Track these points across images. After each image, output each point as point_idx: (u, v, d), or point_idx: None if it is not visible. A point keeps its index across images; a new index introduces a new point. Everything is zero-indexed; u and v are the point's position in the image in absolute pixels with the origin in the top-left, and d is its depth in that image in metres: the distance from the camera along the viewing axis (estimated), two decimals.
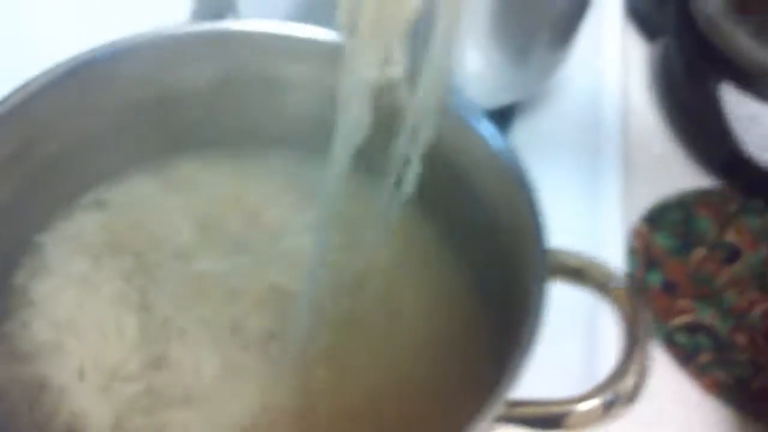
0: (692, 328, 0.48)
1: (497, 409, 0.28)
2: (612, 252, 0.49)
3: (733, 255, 0.51)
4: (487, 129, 0.36)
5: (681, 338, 0.47)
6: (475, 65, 0.48)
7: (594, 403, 0.30)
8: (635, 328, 0.30)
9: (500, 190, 0.35)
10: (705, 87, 0.54)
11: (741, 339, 0.48)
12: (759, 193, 0.54)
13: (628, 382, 0.30)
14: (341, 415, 0.37)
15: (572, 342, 0.44)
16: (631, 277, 0.49)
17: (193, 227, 0.39)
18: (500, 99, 0.51)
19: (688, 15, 0.56)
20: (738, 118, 0.53)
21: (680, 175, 0.55)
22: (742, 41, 0.53)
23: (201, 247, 0.39)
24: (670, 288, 0.49)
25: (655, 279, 0.49)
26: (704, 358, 0.47)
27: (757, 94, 0.53)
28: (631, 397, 0.30)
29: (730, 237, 0.52)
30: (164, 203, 0.40)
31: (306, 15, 0.45)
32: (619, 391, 0.30)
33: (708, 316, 0.48)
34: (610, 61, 0.58)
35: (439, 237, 0.40)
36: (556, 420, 0.30)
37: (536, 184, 0.51)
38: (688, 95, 0.56)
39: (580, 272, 0.32)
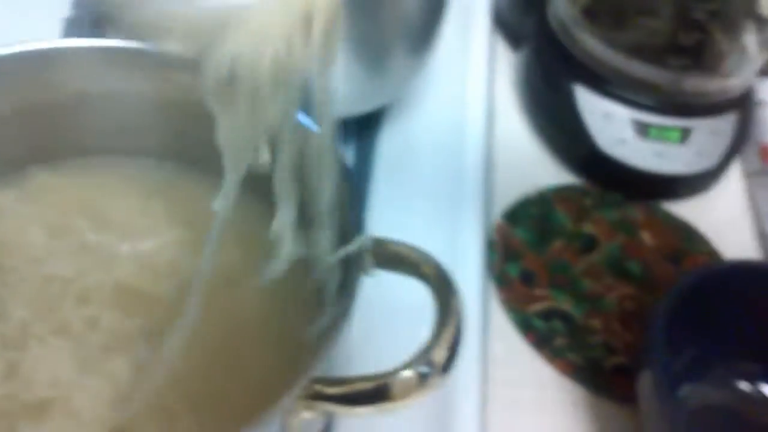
0: (548, 314, 0.50)
1: (301, 387, 0.29)
2: (471, 246, 0.51)
3: (589, 245, 0.54)
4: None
5: (537, 324, 0.50)
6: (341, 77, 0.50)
7: (409, 374, 0.31)
8: (445, 305, 0.32)
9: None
10: (561, 89, 0.57)
11: (595, 323, 0.50)
12: (616, 187, 0.57)
13: (440, 353, 0.32)
14: (202, 408, 0.38)
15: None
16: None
17: (45, 233, 0.40)
18: (362, 106, 0.53)
19: (545, 23, 0.59)
20: (593, 117, 0.56)
21: (543, 173, 0.58)
22: (593, 46, 0.56)
23: (53, 251, 0.40)
24: (527, 278, 0.51)
25: (514, 270, 0.52)
26: (559, 342, 0.49)
27: (608, 95, 0.56)
28: (445, 367, 0.32)
29: (587, 228, 0.55)
30: (19, 211, 0.41)
31: None
32: (432, 362, 0.32)
33: (564, 303, 0.51)
34: (475, 67, 0.61)
35: None
36: (376, 394, 0.32)
37: (402, 184, 0.53)
38: (547, 97, 0.59)
39: (397, 258, 0.34)
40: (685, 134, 0.55)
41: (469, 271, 0.50)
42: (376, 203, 0.52)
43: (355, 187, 0.35)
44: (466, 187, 0.54)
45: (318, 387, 0.30)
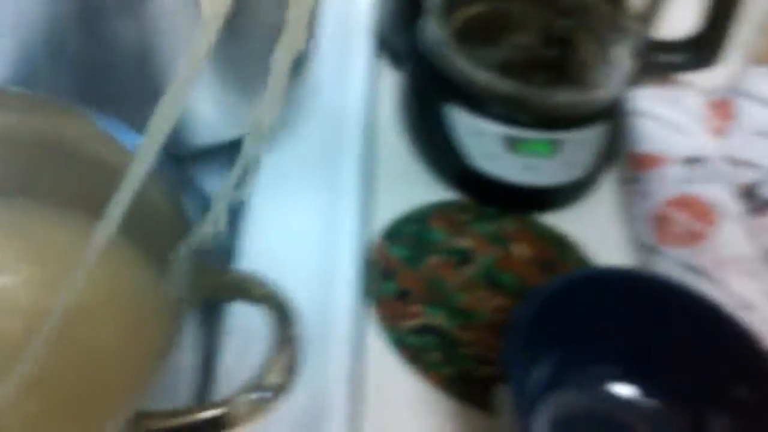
0: (421, 330, 0.51)
1: (123, 420, 0.30)
2: (347, 267, 0.52)
3: (464, 259, 0.55)
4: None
5: (411, 340, 0.51)
6: (202, 104, 0.51)
7: (246, 399, 0.32)
8: (283, 328, 0.33)
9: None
10: (435, 108, 0.59)
11: (468, 335, 0.52)
12: (491, 201, 0.59)
13: (275, 377, 0.32)
14: None
15: None
16: (371, 288, 0.52)
17: None
18: (234, 131, 0.53)
19: (417, 45, 0.60)
20: (465, 135, 0.58)
21: (424, 190, 0.59)
22: (463, 66, 0.58)
23: None
24: (403, 295, 0.53)
25: (390, 288, 0.53)
26: (432, 356, 0.50)
27: (478, 112, 0.58)
28: (281, 389, 0.33)
29: (463, 243, 0.56)
30: None
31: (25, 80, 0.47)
32: (269, 385, 0.32)
33: (437, 318, 0.52)
34: (355, 87, 0.62)
35: (138, 258, 0.42)
36: (216, 423, 0.32)
37: (278, 208, 0.54)
38: (422, 117, 0.61)
39: (234, 286, 0.35)
40: (554, 147, 0.57)
41: (342, 292, 0.51)
42: (252, 230, 0.53)
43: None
44: (342, 208, 0.55)
45: (147, 422, 0.31)
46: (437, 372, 0.49)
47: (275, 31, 0.52)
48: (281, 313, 0.34)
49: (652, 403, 0.48)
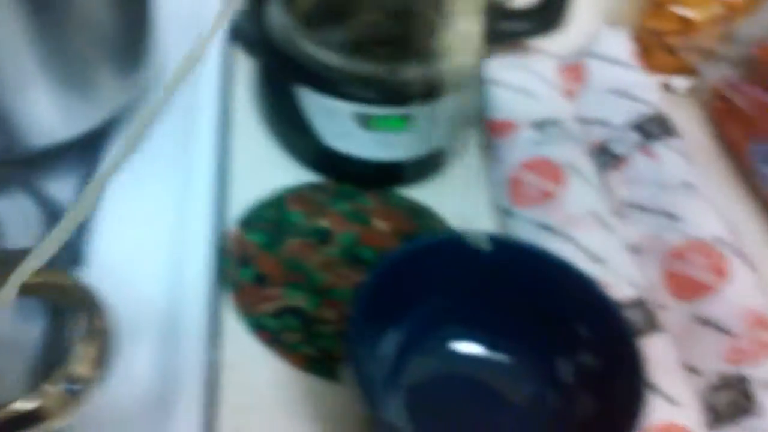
0: (280, 313, 0.51)
1: None
2: (200, 257, 0.52)
3: (324, 239, 0.55)
4: None
5: (269, 323, 0.50)
6: (37, 105, 0.50)
7: (54, 390, 0.31)
8: (90, 320, 0.33)
9: None
10: (287, 91, 0.59)
11: (329, 314, 0.52)
12: (349, 180, 0.59)
13: (84, 370, 0.32)
14: None
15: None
16: (227, 274, 0.52)
17: None
18: (74, 129, 0.52)
19: (265, 30, 0.60)
20: (317, 115, 0.58)
21: (282, 175, 0.59)
22: (310, 48, 0.58)
23: None
24: (261, 280, 0.52)
25: (248, 274, 0.52)
26: (291, 337, 0.50)
27: (328, 92, 0.58)
28: (90, 381, 0.32)
29: (322, 223, 0.56)
30: None
31: None
32: (77, 377, 0.32)
33: (297, 299, 0.52)
34: (208, 76, 0.62)
35: None
36: (28, 415, 0.31)
37: (130, 202, 0.53)
38: (276, 100, 0.60)
39: (41, 284, 0.34)
40: (406, 121, 0.58)
41: (196, 282, 0.50)
42: (102, 225, 0.52)
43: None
44: (195, 198, 0.54)
45: None
46: (298, 352, 0.49)
47: (101, 25, 0.52)
48: (89, 305, 0.33)
49: (503, 358, 0.49)
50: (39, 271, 0.35)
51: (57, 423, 0.32)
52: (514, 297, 0.47)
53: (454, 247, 0.47)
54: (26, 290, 0.34)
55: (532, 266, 0.47)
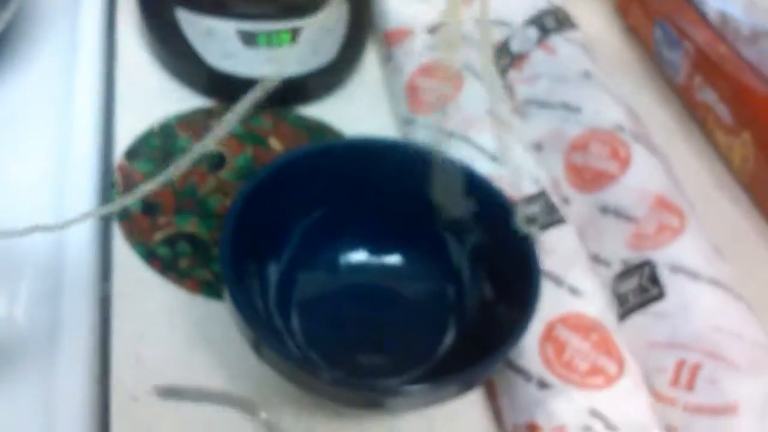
0: (173, 240, 0.49)
1: None
2: (84, 191, 0.50)
3: (218, 163, 0.53)
4: None
5: (161, 251, 0.49)
6: None
7: None
8: None
9: None
10: (169, 14, 0.56)
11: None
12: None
13: None
14: None
15: None
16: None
17: None
18: None
19: None
20: (197, 37, 0.55)
21: (170, 103, 0.57)
22: None
23: None
24: (150, 209, 0.50)
25: (135, 204, 0.50)
26: (184, 263, 0.48)
27: (208, 12, 0.55)
28: None
29: (215, 147, 0.54)
30: None
31: None
32: None
33: (189, 225, 0.50)
34: (91, 4, 0.59)
35: None
36: None
37: (9, 140, 0.50)
38: (156, 26, 0.58)
39: None
40: (294, 35, 0.55)
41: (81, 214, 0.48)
42: None
43: None
44: (78, 131, 0.52)
45: None
46: (191, 277, 0.48)
47: None
48: None
49: (396, 260, 0.47)
50: None
51: None
52: (397, 198, 0.46)
53: (332, 154, 0.45)
54: None
55: (409, 163, 0.45)
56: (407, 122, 0.56)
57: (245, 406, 0.43)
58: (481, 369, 0.39)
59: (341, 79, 0.59)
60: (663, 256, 0.47)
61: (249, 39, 0.54)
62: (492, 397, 0.45)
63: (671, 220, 0.48)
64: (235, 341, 0.44)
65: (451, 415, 0.44)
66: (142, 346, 0.45)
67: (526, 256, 0.42)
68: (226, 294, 0.39)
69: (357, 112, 0.59)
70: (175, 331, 0.46)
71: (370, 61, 0.62)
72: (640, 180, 0.50)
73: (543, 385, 0.42)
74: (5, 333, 0.43)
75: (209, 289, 0.47)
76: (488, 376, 0.43)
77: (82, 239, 0.47)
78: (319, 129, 0.56)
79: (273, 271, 0.45)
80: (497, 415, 0.45)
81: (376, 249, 0.48)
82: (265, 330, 0.38)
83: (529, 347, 0.43)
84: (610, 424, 0.41)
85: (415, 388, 0.39)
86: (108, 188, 0.51)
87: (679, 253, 0.47)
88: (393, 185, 0.45)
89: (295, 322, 0.45)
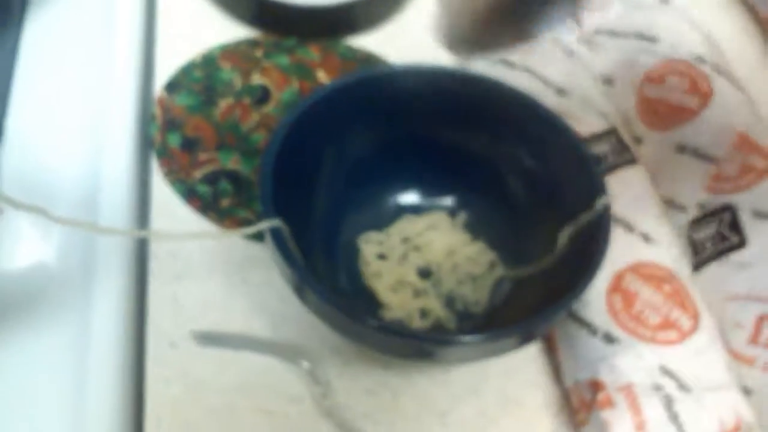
0: (213, 177, 0.46)
1: None
2: (124, 124, 0.47)
3: (262, 97, 0.50)
4: None
5: (201, 189, 0.46)
6: None
7: None
8: None
9: None
10: None
11: None
12: (289, 32, 0.53)
13: None
14: None
15: None
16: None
17: None
18: None
19: None
20: None
21: (212, 33, 0.54)
22: None
23: None
24: (190, 144, 0.48)
25: (175, 139, 0.48)
26: (225, 202, 0.46)
27: None
28: None
29: (258, 80, 0.51)
30: None
31: None
32: None
33: (231, 162, 0.47)
34: None
35: None
36: None
37: (49, 72, 0.48)
38: None
39: None
40: None
41: (119, 151, 0.46)
42: (22, 91, 0.48)
43: None
44: (117, 63, 0.49)
45: None
46: (232, 217, 0.45)
47: None
48: None
49: (450, 202, 0.44)
50: None
51: None
52: (454, 134, 0.42)
53: (383, 84, 0.41)
54: None
55: (471, 97, 0.41)
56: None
57: (287, 354, 0.41)
58: (541, 320, 0.36)
59: (393, 8, 0.55)
60: (745, 201, 0.43)
61: None
62: (551, 350, 0.42)
63: (755, 161, 0.44)
64: (277, 285, 0.41)
65: (505, 370, 0.41)
66: (180, 289, 0.43)
67: (594, 197, 0.38)
68: (267, 235, 0.35)
69: (410, 42, 0.55)
70: (214, 274, 0.44)
71: None
72: (722, 116, 0.45)
73: (609, 339, 0.39)
74: (40, 275, 0.41)
75: None
76: (549, 328, 0.39)
77: (119, 177, 0.44)
78: (370, 61, 0.52)
79: (318, 210, 0.41)
80: (556, 371, 0.41)
81: (429, 189, 0.44)
82: (308, 273, 0.35)
83: (596, 297, 0.39)
84: (682, 383, 0.37)
85: (469, 338, 0.35)
86: (147, 122, 0.48)
87: (764, 198, 0.42)
88: (449, 119, 0.41)
89: (342, 263, 0.42)
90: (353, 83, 0.41)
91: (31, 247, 0.43)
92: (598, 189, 0.38)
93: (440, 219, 0.45)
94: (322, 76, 0.51)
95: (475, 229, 0.44)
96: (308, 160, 0.40)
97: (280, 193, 0.36)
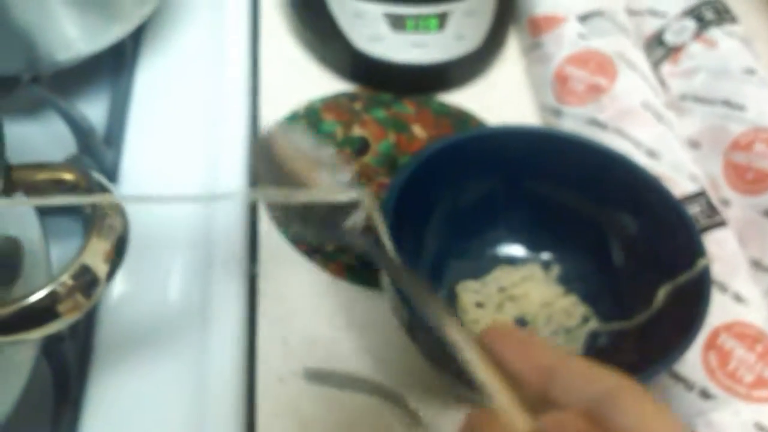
0: None
1: None
2: (235, 169, 0.50)
3: (362, 148, 0.53)
4: None
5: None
6: (61, 17, 0.48)
7: (64, 280, 0.30)
8: (93, 215, 0.31)
9: None
10: None
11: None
12: (385, 87, 0.56)
13: (94, 261, 0.30)
14: None
15: None
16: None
17: None
18: (97, 43, 0.50)
19: None
20: (345, 18, 0.55)
21: (314, 86, 0.57)
22: None
23: None
24: None
25: None
26: (330, 246, 0.48)
27: None
28: (108, 277, 0.30)
29: (358, 132, 0.53)
30: None
31: None
32: (88, 269, 0.30)
33: None
34: None
35: None
36: (44, 313, 0.30)
37: (162, 115, 0.51)
38: (306, 6, 0.58)
39: (51, 179, 0.33)
40: (442, 20, 0.54)
41: (230, 193, 0.48)
42: (135, 137, 0.50)
43: None
44: (227, 112, 0.52)
45: None
46: (336, 261, 0.47)
47: None
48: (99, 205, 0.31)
49: (548, 257, 0.46)
50: (46, 166, 0.33)
51: (68, 316, 0.30)
52: (555, 192, 0.44)
53: (492, 142, 0.44)
54: (34, 188, 0.33)
55: (576, 158, 0.43)
56: (555, 113, 0.54)
57: (390, 395, 0.42)
58: (641, 379, 0.37)
59: (483, 67, 0.58)
60: None
61: (397, 23, 0.54)
62: None
63: None
64: (380, 328, 0.43)
65: None
66: (288, 328, 0.45)
67: (694, 257, 0.39)
68: (385, 276, 0.38)
69: (498, 100, 0.58)
70: (320, 314, 0.46)
71: (511, 49, 0.61)
72: None
73: (706, 395, 0.40)
74: (160, 312, 0.44)
75: (353, 274, 0.47)
76: (649, 383, 0.41)
77: (230, 220, 0.47)
78: (462, 117, 0.55)
79: (424, 257, 0.44)
80: None
81: (526, 242, 0.46)
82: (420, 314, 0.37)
83: (692, 354, 0.41)
84: None
85: None
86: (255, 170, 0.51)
87: None
88: (550, 178, 0.44)
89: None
90: (465, 140, 0.43)
91: (147, 284, 0.45)
92: (698, 250, 0.40)
93: (535, 271, 0.46)
94: (417, 130, 0.54)
95: (569, 282, 0.46)
96: (420, 210, 0.42)
97: (394, 239, 0.39)
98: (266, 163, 0.38)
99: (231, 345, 0.43)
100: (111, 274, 0.30)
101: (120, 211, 0.31)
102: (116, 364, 0.41)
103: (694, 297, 0.39)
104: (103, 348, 0.42)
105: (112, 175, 0.49)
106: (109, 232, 0.30)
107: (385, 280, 0.39)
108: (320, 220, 0.37)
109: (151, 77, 0.54)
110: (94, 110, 0.53)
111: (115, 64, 0.54)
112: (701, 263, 0.39)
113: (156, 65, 0.55)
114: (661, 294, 0.41)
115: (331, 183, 0.36)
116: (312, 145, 0.38)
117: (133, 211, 0.45)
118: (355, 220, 0.36)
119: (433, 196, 0.43)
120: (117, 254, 0.30)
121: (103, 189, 0.32)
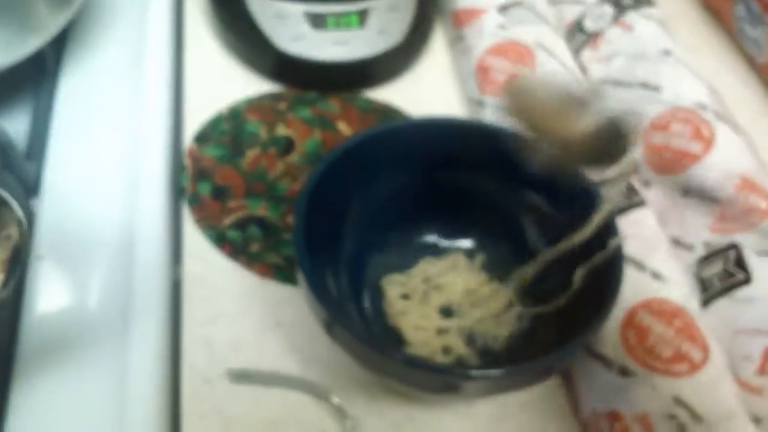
0: (243, 223, 0.49)
1: None
2: (156, 175, 0.50)
3: (287, 147, 0.53)
4: None
5: (232, 235, 0.48)
6: None
7: None
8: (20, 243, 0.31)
9: None
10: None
11: (292, 221, 0.49)
12: (310, 86, 0.56)
13: None
14: None
15: None
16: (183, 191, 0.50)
17: None
18: (12, 55, 0.50)
19: None
20: (266, 19, 0.55)
21: (238, 88, 0.57)
22: None
23: None
24: (220, 193, 0.50)
25: (205, 188, 0.50)
26: (255, 247, 0.48)
27: None
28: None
29: (282, 131, 0.54)
30: None
31: None
32: None
33: (259, 209, 0.50)
34: None
35: None
36: None
37: (82, 126, 0.50)
38: (225, 10, 0.58)
39: None
40: (362, 16, 0.55)
41: (152, 201, 0.48)
42: (57, 149, 0.50)
43: None
44: (148, 117, 0.52)
45: None
46: (262, 261, 0.47)
47: None
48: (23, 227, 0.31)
49: (468, 243, 0.46)
50: None
51: None
52: (471, 180, 0.45)
53: (401, 135, 0.44)
54: None
55: (487, 144, 0.44)
56: (478, 104, 0.54)
57: (317, 391, 0.42)
58: (560, 355, 0.38)
59: (408, 62, 0.58)
60: (749, 240, 0.45)
61: (317, 21, 0.54)
62: (568, 384, 0.44)
63: (758, 202, 0.46)
64: (306, 325, 0.43)
65: (525, 402, 0.43)
66: (214, 330, 0.45)
67: (607, 238, 0.40)
68: (300, 275, 0.38)
69: (425, 94, 0.58)
70: (246, 315, 0.46)
71: (437, 42, 0.61)
72: (725, 160, 0.48)
73: (624, 372, 0.41)
74: (79, 318, 0.43)
75: (280, 273, 0.47)
76: (568, 362, 0.41)
77: (153, 225, 0.47)
78: (387, 112, 0.55)
79: (344, 253, 0.44)
80: (573, 403, 0.43)
81: (448, 231, 0.46)
82: (338, 311, 0.37)
83: (610, 333, 0.41)
84: (694, 413, 0.39)
85: (492, 372, 0.37)
86: (179, 172, 0.51)
87: (767, 237, 0.45)
88: (465, 166, 0.44)
89: (367, 303, 0.44)
90: (379, 134, 0.43)
91: (70, 291, 0.45)
92: (611, 230, 0.41)
93: (459, 260, 0.47)
94: (343, 127, 0.54)
95: (493, 269, 0.46)
96: (337, 206, 0.43)
97: (311, 236, 0.39)
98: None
99: (154, 349, 0.43)
100: (6, 283, 0.30)
101: (18, 222, 0.31)
102: (39, 371, 0.41)
103: (609, 276, 0.39)
104: (25, 355, 0.42)
105: (34, 188, 0.49)
106: (5, 242, 0.30)
107: (300, 277, 0.39)
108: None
109: (74, 87, 0.54)
110: (16, 123, 0.52)
111: (36, 76, 0.54)
112: (614, 242, 0.40)
113: (79, 75, 0.55)
114: (578, 275, 0.42)
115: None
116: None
117: (55, 216, 0.45)
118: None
119: (349, 190, 0.43)
120: (12, 264, 0.30)
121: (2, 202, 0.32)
